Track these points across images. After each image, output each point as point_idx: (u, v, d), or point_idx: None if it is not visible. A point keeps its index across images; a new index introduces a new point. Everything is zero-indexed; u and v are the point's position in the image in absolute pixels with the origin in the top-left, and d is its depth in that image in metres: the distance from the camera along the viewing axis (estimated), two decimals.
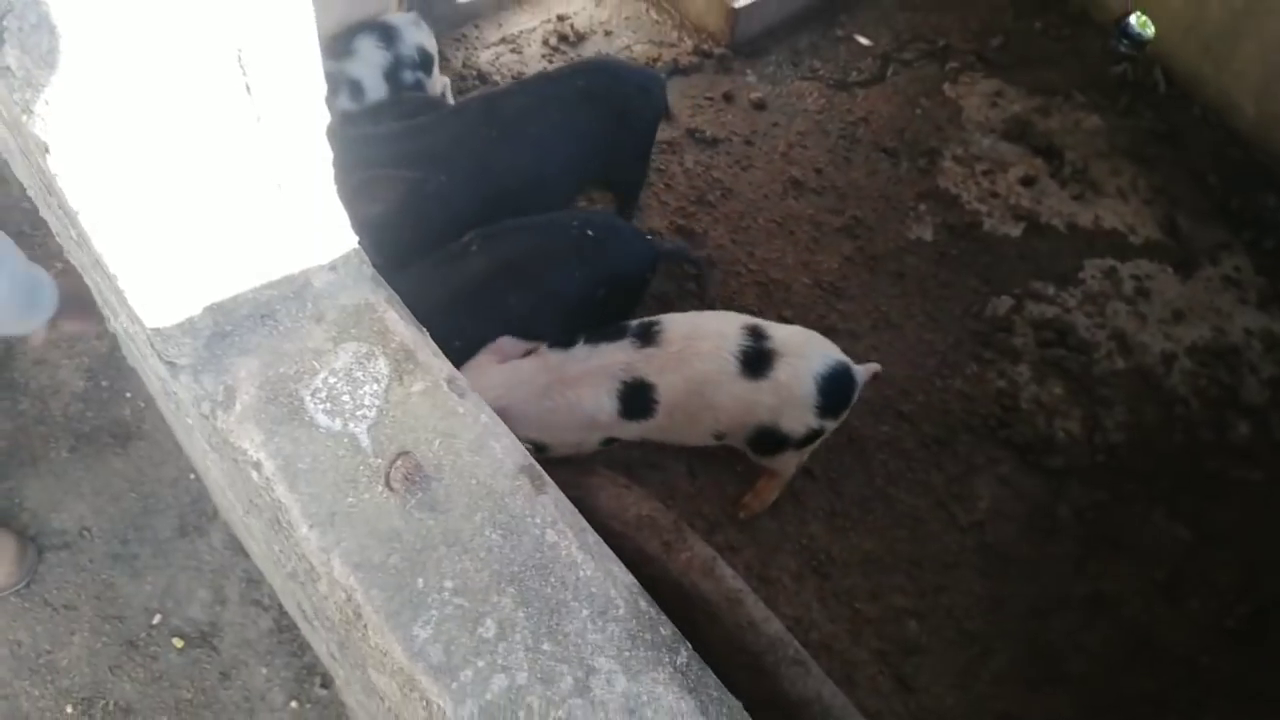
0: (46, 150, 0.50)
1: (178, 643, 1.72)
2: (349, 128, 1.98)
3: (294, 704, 1.69)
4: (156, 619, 1.74)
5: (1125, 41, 2.97)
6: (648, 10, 2.90)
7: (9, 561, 1.71)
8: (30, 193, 1.02)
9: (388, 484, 0.65)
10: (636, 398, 1.74)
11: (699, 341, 1.75)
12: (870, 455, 2.19)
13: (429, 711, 0.61)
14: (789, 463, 1.95)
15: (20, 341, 2.00)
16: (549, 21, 2.78)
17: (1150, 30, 2.92)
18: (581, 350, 1.76)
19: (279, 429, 0.67)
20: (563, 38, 2.77)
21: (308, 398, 0.68)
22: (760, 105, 2.72)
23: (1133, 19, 2.95)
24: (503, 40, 2.72)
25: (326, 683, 1.72)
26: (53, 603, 1.74)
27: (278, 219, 0.64)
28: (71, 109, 0.48)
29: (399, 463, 0.65)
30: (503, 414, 0.71)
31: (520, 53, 2.70)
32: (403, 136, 1.90)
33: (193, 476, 1.87)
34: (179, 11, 0.48)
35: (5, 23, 0.44)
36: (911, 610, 2.02)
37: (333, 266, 0.71)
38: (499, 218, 2.01)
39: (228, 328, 0.68)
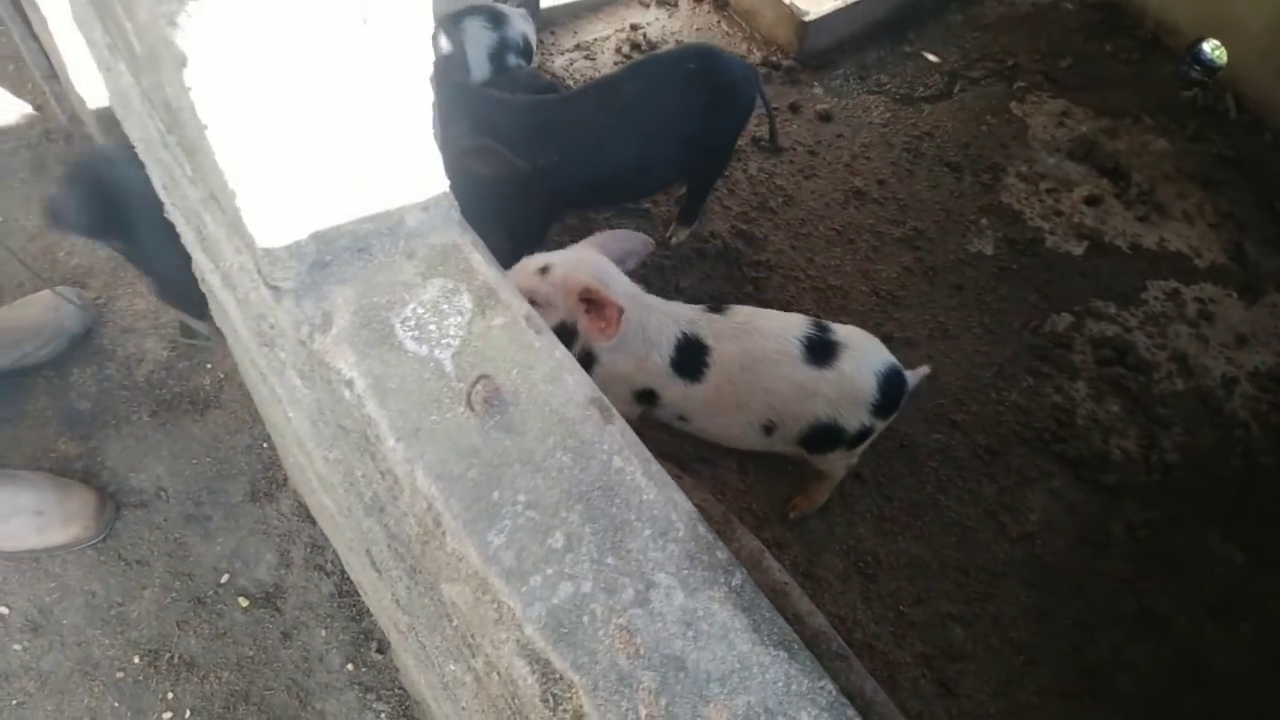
0: (184, 62, 0.56)
1: (243, 602, 1.79)
2: (482, 88, 2.07)
3: (350, 666, 1.75)
4: (224, 578, 1.81)
5: (1197, 67, 2.95)
6: (719, 22, 2.96)
7: (89, 516, 1.80)
8: (140, 148, 1.10)
9: (469, 405, 0.70)
10: (690, 354, 1.75)
11: (764, 320, 1.78)
12: (921, 462, 2.20)
13: (499, 613, 0.66)
14: (839, 463, 1.96)
15: (107, 307, 2.11)
16: (622, 30, 2.86)
17: (1223, 57, 2.90)
18: (657, 298, 1.80)
19: (371, 352, 0.72)
20: (635, 46, 2.84)
21: (397, 325, 0.74)
22: (826, 117, 2.76)
23: (1206, 45, 2.93)
24: (577, 47, 2.80)
25: (382, 648, 1.77)
26: (127, 558, 1.83)
27: (381, 156, 0.70)
28: (209, 20, 0.54)
29: (479, 385, 0.70)
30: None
31: (593, 59, 2.78)
32: (530, 109, 1.98)
33: (265, 445, 1.95)
34: None
35: None
36: (957, 616, 2.02)
37: (425, 207, 0.77)
38: (600, 202, 2.07)
39: (328, 257, 0.74)
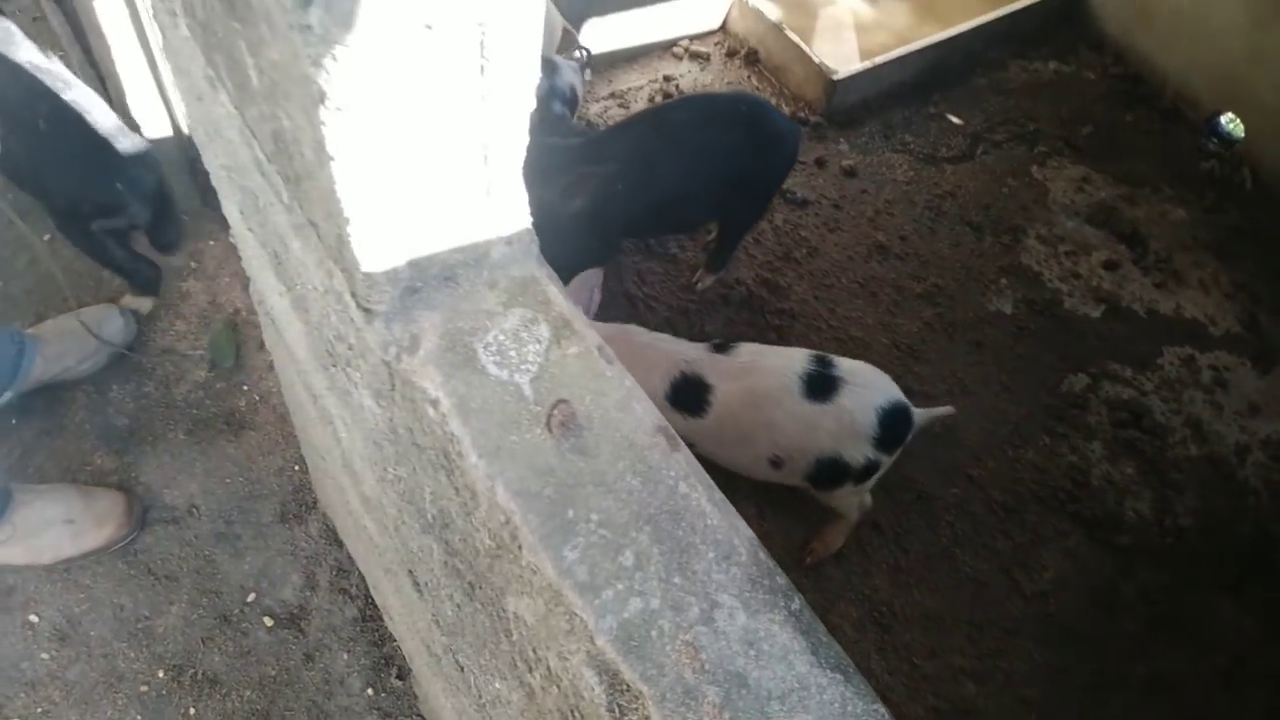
0: (322, 99, 0.61)
1: (268, 622, 1.82)
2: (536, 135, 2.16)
3: (370, 691, 1.77)
4: (251, 597, 1.84)
5: (1214, 140, 3.03)
6: (750, 77, 3.05)
7: (120, 515, 1.85)
8: (220, 174, 1.15)
9: (548, 427, 0.74)
10: (690, 391, 1.81)
11: (766, 358, 1.84)
12: (938, 515, 2.23)
13: (571, 624, 0.69)
14: (849, 500, 1.99)
15: (148, 326, 2.16)
16: (656, 81, 2.95)
17: (1240, 130, 2.98)
18: (657, 335, 1.86)
19: (455, 373, 0.77)
20: (668, 96, 2.92)
21: (480, 350, 0.78)
22: (851, 172, 2.83)
23: (1223, 118, 3.01)
24: (612, 95, 2.88)
25: (402, 674, 1.79)
26: (156, 572, 1.86)
27: (476, 191, 0.75)
28: (352, 66, 0.59)
29: (558, 409, 0.75)
30: None
31: (627, 108, 2.86)
32: (586, 147, 2.05)
33: (297, 468, 1.99)
34: None
35: None
36: (970, 672, 2.03)
37: (509, 241, 0.82)
38: (651, 230, 2.12)
39: (419, 284, 0.79)
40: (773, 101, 3.00)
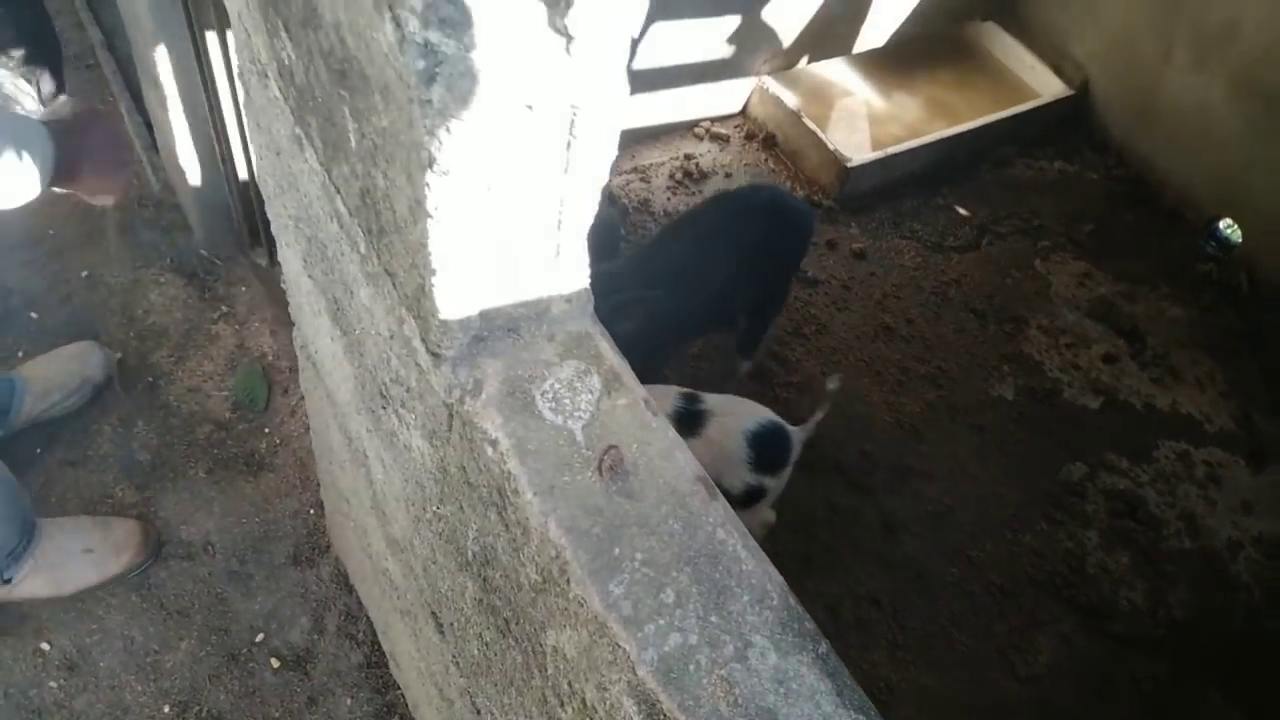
0: (430, 164, 0.68)
1: (275, 663, 1.84)
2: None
3: None
4: (259, 637, 1.87)
5: (1213, 244, 3.14)
6: (766, 159, 3.17)
7: (137, 542, 1.90)
8: (287, 224, 1.23)
9: (599, 470, 0.80)
10: None
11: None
12: (936, 594, 2.26)
13: (614, 655, 0.74)
14: (749, 523, 2.04)
15: (177, 365, 2.22)
16: (676, 159, 3.07)
17: (1238, 236, 3.09)
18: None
19: (514, 417, 0.83)
20: (687, 174, 3.04)
21: (538, 397, 0.84)
22: (860, 255, 2.93)
23: (1222, 224, 3.13)
24: (634, 169, 3.00)
25: None
26: (168, 607, 1.88)
27: (546, 252, 0.82)
28: (461, 135, 0.67)
29: (609, 454, 0.81)
30: None
31: (648, 182, 2.97)
32: (630, 269, 2.15)
33: (312, 511, 2.03)
34: (547, 72, 0.67)
35: (440, 70, 0.64)
36: None
37: (568, 299, 0.88)
38: (696, 333, 2.19)
39: (485, 333, 0.85)
40: (787, 185, 3.12)
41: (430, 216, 0.72)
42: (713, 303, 2.22)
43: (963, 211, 3.16)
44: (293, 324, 1.52)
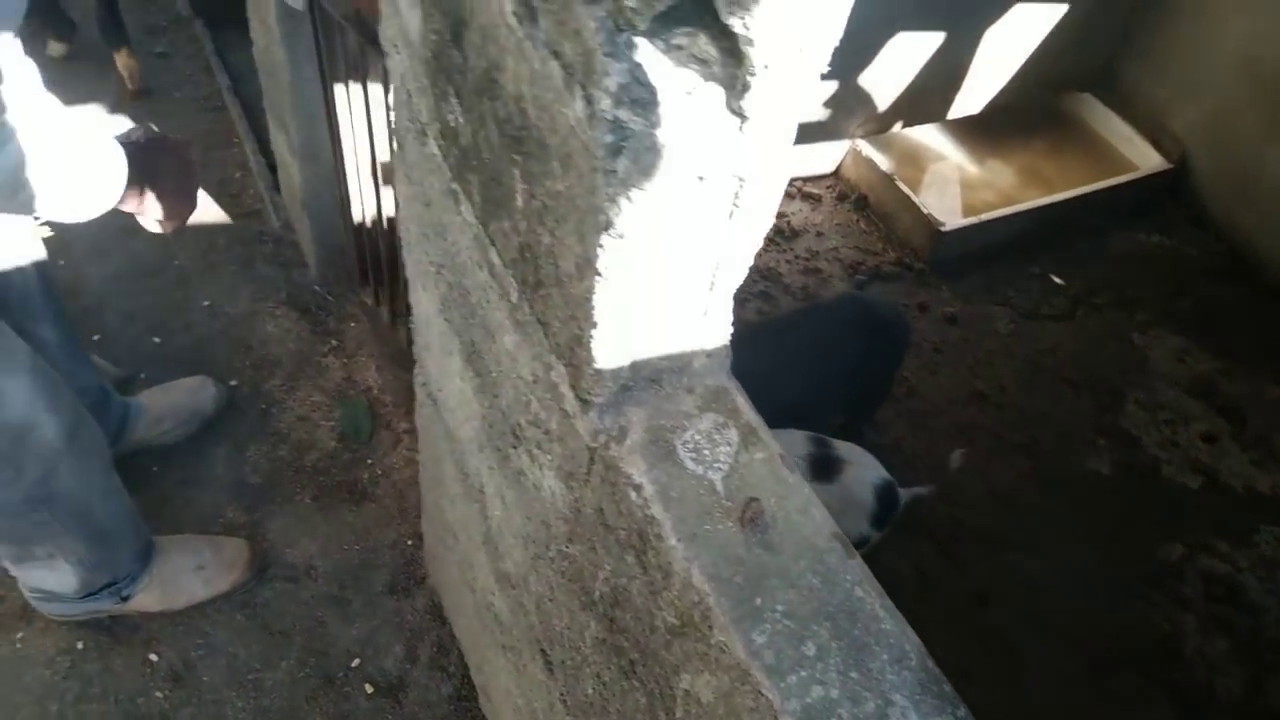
0: (608, 228, 0.73)
1: (368, 689, 1.89)
2: None
3: None
4: (355, 663, 1.92)
5: None
6: (858, 220, 3.20)
7: (245, 561, 1.97)
8: (428, 269, 1.30)
9: (740, 521, 0.83)
10: None
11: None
12: (1028, 670, 2.21)
13: (756, 703, 0.76)
14: None
15: (288, 394, 2.32)
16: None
17: None
18: None
19: (657, 464, 0.86)
20: (779, 231, 3.08)
21: (679, 446, 0.88)
22: (952, 320, 2.92)
23: None
24: None
25: None
26: (271, 627, 1.95)
27: (696, 310, 0.87)
28: (640, 203, 0.72)
29: (750, 506, 0.83)
30: None
31: None
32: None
33: (410, 543, 2.09)
34: (720, 147, 0.72)
35: (626, 143, 0.69)
36: None
37: (709, 354, 0.92)
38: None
39: (630, 384, 0.89)
40: (878, 246, 3.14)
41: (599, 275, 0.77)
42: (798, 412, 2.23)
43: (1057, 280, 3.13)
44: (396, 361, 1.59)
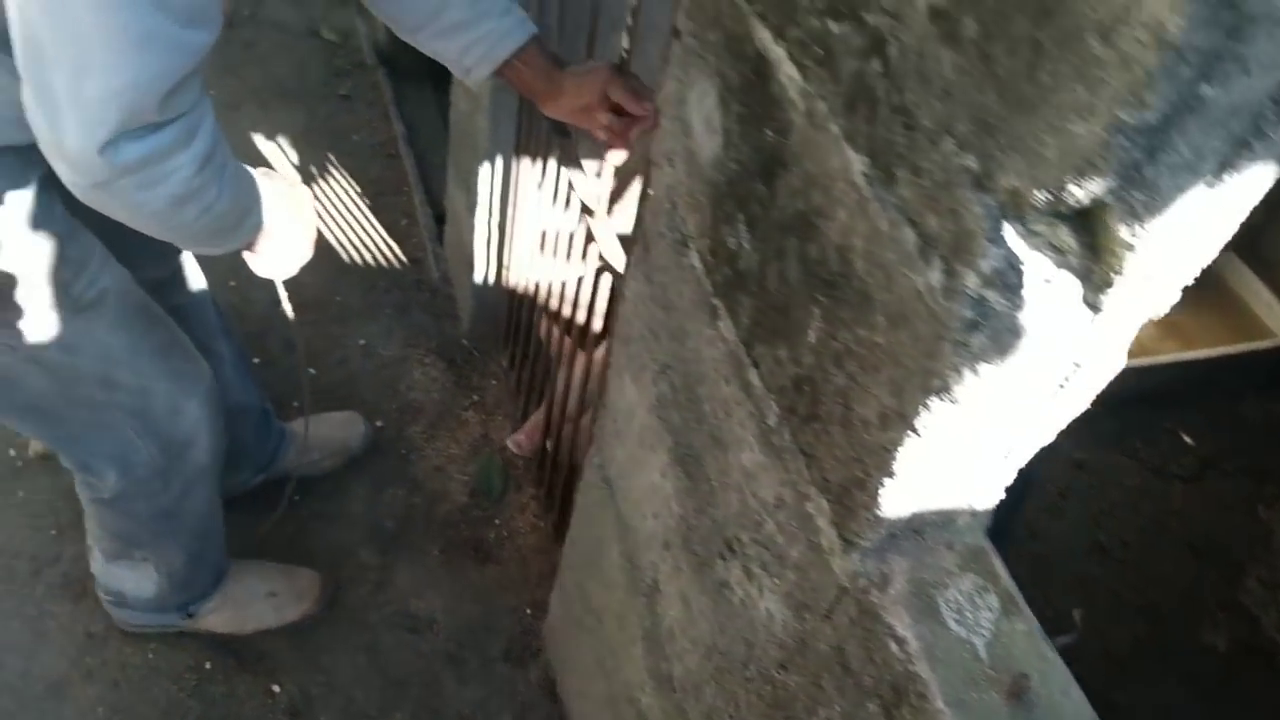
0: (941, 391, 0.75)
1: None
2: None
3: None
4: None
5: None
6: None
7: (316, 592, 2.00)
8: (653, 364, 1.33)
9: (1008, 695, 0.83)
10: None
11: None
12: None
13: None
14: None
15: (427, 442, 2.37)
16: None
17: None
18: None
19: (921, 619, 0.87)
20: None
21: (941, 604, 0.89)
22: (1080, 465, 2.88)
23: None
24: None
25: None
26: (389, 676, 1.96)
27: (980, 473, 0.88)
28: (981, 375, 0.74)
29: (1018, 680, 0.83)
30: None
31: None
32: None
33: (529, 611, 2.10)
34: (1069, 334, 0.74)
35: (986, 321, 0.71)
36: None
37: (972, 513, 0.93)
38: None
39: (896, 531, 0.91)
40: None
41: (914, 432, 0.79)
42: None
43: (1188, 440, 3.07)
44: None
